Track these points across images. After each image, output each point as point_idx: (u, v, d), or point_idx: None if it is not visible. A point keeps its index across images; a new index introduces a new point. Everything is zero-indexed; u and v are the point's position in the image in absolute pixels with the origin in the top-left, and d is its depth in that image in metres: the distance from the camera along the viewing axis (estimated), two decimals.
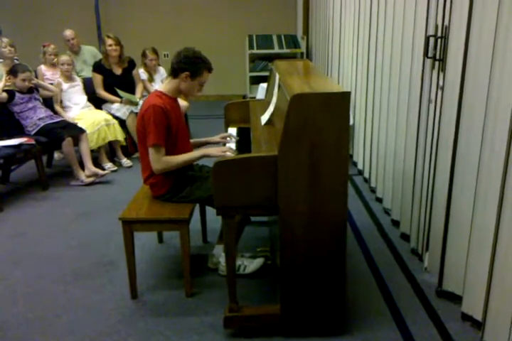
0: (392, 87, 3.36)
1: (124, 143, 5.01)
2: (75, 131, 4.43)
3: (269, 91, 3.19)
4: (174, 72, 2.57)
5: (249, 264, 2.78)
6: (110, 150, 5.01)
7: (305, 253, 2.14)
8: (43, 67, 5.07)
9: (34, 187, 4.36)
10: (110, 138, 4.77)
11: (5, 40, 4.70)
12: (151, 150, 2.53)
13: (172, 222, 2.52)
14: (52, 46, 5.07)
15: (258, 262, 2.79)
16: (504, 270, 2.02)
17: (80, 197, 4.14)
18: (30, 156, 4.23)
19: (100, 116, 4.80)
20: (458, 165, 2.38)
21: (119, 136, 4.86)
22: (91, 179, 4.40)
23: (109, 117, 4.83)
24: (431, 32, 2.60)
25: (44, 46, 5.09)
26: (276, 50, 7.38)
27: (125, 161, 4.95)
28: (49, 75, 5.01)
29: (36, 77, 4.92)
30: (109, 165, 4.80)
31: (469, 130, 2.26)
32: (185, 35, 7.65)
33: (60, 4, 7.58)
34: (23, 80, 4.32)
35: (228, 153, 2.48)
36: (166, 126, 2.52)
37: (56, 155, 5.13)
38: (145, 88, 5.29)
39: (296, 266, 2.17)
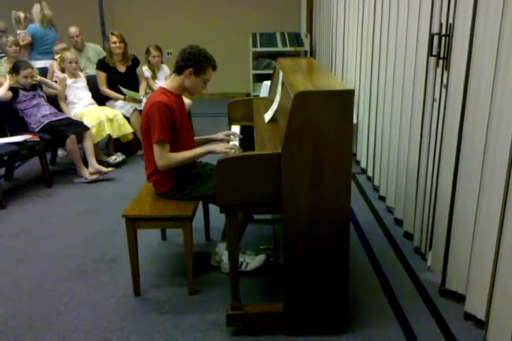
0: (396, 85, 3.35)
1: (131, 138, 5.01)
2: (79, 129, 4.43)
3: (272, 89, 3.19)
4: (178, 69, 2.56)
5: (251, 261, 2.78)
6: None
7: (308, 251, 2.14)
8: (55, 64, 5.08)
9: (38, 184, 4.37)
10: (110, 132, 4.69)
11: (11, 38, 4.71)
12: (155, 147, 2.52)
13: (175, 219, 2.52)
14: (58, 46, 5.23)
15: (260, 259, 2.79)
16: (507, 269, 2.01)
17: (83, 194, 4.15)
18: (34, 153, 4.24)
19: (102, 112, 4.76)
20: (462, 163, 2.37)
21: (125, 130, 4.82)
22: (94, 176, 4.41)
23: (113, 114, 4.77)
24: (435, 30, 2.59)
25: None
26: (279, 48, 7.37)
27: (113, 158, 4.84)
28: (59, 73, 5.00)
29: (46, 72, 4.96)
30: (114, 157, 4.80)
31: (473, 128, 2.26)
32: (189, 33, 7.65)
33: (64, 1, 7.58)
34: (25, 77, 4.32)
35: (233, 150, 2.48)
36: (170, 123, 2.52)
37: (60, 152, 5.14)
38: (148, 86, 5.30)
39: (299, 264, 2.16)
